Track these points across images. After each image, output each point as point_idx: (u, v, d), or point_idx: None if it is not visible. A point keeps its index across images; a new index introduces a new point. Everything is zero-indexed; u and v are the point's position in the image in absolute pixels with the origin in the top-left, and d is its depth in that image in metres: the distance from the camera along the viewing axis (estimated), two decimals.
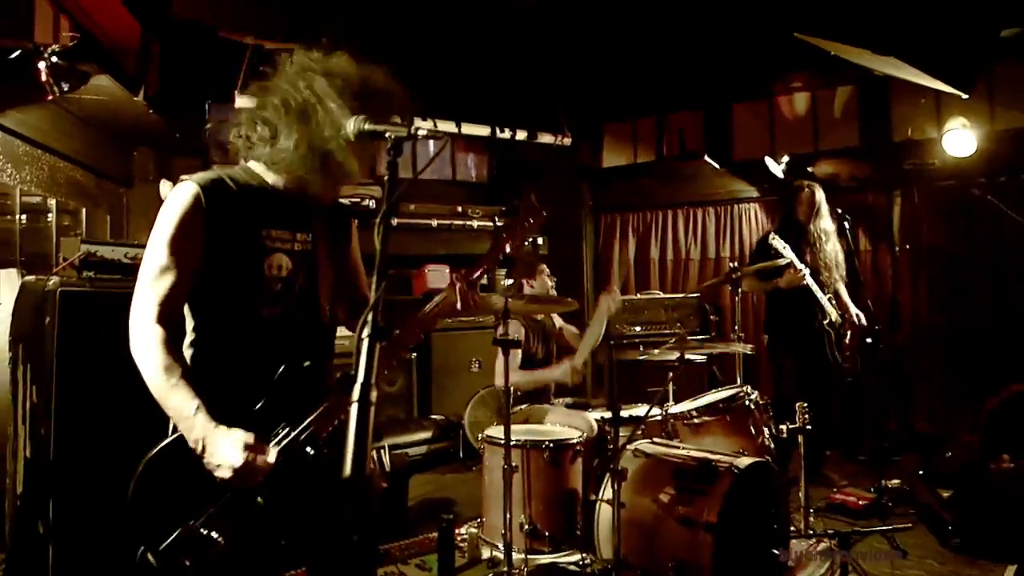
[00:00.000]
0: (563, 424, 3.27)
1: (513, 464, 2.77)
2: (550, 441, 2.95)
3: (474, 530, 3.47)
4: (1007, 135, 4.82)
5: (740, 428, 3.19)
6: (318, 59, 1.63)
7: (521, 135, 5.89)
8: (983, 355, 4.98)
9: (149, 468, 1.46)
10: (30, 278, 2.56)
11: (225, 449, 1.41)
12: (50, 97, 2.77)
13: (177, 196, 1.54)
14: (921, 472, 3.82)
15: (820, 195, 4.30)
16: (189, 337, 1.60)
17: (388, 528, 3.60)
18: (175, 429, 1.50)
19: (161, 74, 4.21)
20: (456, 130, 5.69)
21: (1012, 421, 3.55)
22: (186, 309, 1.59)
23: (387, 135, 1.36)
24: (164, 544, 1.39)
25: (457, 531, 3.43)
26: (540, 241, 6.04)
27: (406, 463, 3.88)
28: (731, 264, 4.42)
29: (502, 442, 2.78)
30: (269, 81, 1.62)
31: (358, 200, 5.37)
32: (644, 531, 2.65)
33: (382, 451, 3.79)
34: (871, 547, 3.20)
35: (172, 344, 1.49)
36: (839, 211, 4.16)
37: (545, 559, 3.01)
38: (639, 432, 2.98)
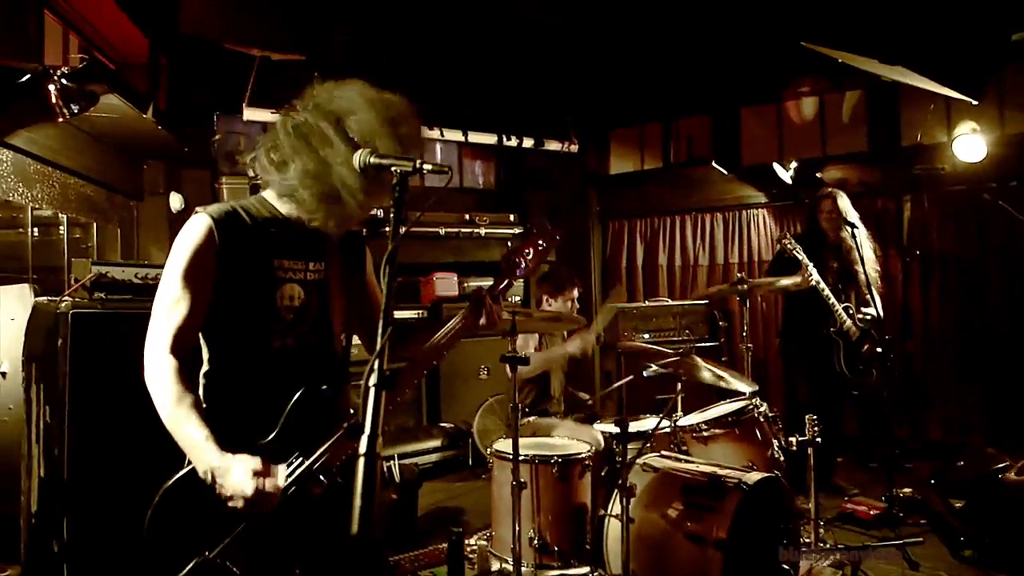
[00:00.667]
0: (571, 437, 3.27)
1: (522, 480, 2.78)
2: (559, 456, 2.95)
3: (483, 542, 3.48)
4: (1018, 139, 4.79)
5: (749, 440, 3.18)
6: (332, 90, 1.62)
7: (528, 142, 5.90)
8: (996, 362, 4.94)
9: (165, 498, 1.48)
10: (42, 299, 2.58)
11: (234, 479, 1.42)
12: (60, 119, 2.80)
13: (191, 229, 1.56)
14: (933, 481, 3.80)
15: (845, 202, 4.25)
16: (203, 368, 1.62)
17: (398, 539, 3.61)
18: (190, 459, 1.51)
19: (169, 88, 4.24)
20: (463, 137, 5.70)
21: None
22: (201, 340, 1.61)
23: (393, 169, 1.37)
24: (179, 575, 1.41)
25: (466, 542, 3.44)
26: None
27: (416, 474, 3.89)
28: (739, 274, 4.38)
29: (511, 457, 2.79)
30: (287, 110, 1.63)
31: None
32: (653, 547, 2.65)
33: (392, 462, 3.81)
34: (882, 559, 3.18)
35: (184, 374, 1.51)
36: (845, 219, 4.13)
37: (554, 573, 3.02)
38: (648, 446, 2.98)
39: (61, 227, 4.12)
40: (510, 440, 2.81)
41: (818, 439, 3.05)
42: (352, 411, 1.65)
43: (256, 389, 1.59)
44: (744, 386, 3.17)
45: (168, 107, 4.13)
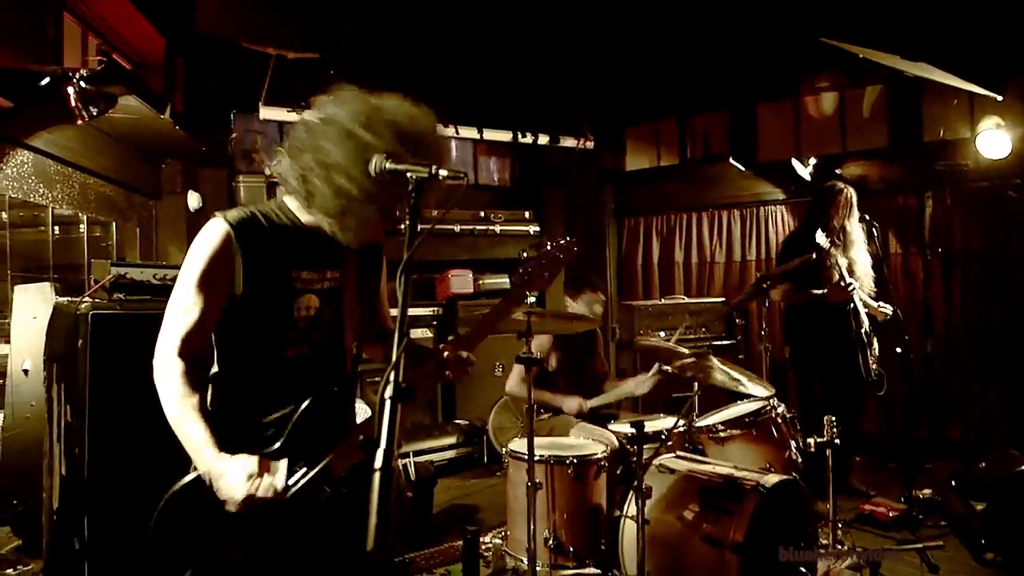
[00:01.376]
0: (587, 437, 3.26)
1: (537, 480, 2.77)
2: (574, 456, 2.94)
3: (498, 541, 3.48)
4: None
5: (766, 442, 3.15)
6: (356, 98, 1.59)
7: (543, 139, 5.88)
8: (1018, 361, 4.85)
9: (169, 505, 1.49)
10: (63, 300, 2.61)
11: (228, 480, 1.43)
12: (80, 121, 2.83)
13: (208, 234, 1.55)
14: (953, 483, 3.74)
15: (855, 199, 4.15)
16: (213, 371, 1.61)
17: (414, 536, 3.63)
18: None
19: (186, 88, 4.27)
20: (478, 135, 5.70)
21: None
22: (213, 344, 1.60)
23: (408, 175, 1.36)
24: None
25: (482, 540, 3.44)
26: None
27: (431, 471, 3.90)
28: (758, 273, 4.33)
29: (526, 457, 2.79)
30: (309, 117, 1.60)
31: None
32: (669, 549, 2.63)
33: (407, 459, 3.82)
34: (901, 561, 3.14)
35: (191, 377, 1.51)
36: (867, 217, 4.06)
37: (569, 573, 3.01)
38: (664, 447, 2.96)
39: (81, 226, 4.17)
40: (525, 440, 2.80)
41: (837, 440, 3.02)
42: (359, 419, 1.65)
43: (266, 396, 1.59)
44: (761, 390, 3.13)
45: (185, 107, 4.16)
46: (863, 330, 4.02)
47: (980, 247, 5.09)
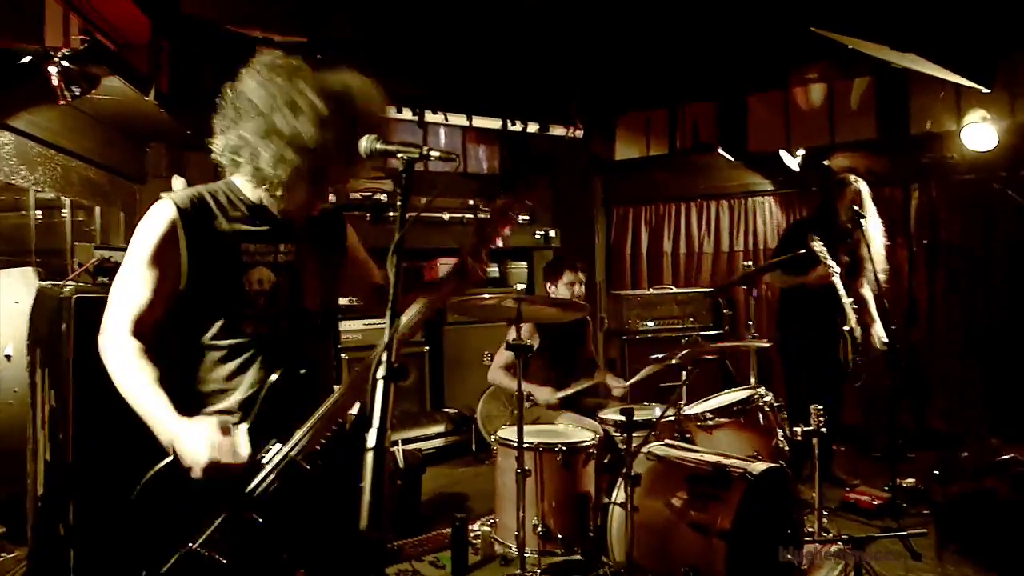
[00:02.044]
0: (575, 425, 3.27)
1: (526, 468, 2.78)
2: (563, 444, 2.95)
3: (487, 528, 3.49)
4: None
5: (754, 430, 3.18)
6: (290, 67, 1.60)
7: (533, 127, 5.86)
8: (1001, 352, 4.92)
9: (146, 491, 1.48)
10: (46, 284, 2.57)
11: (190, 446, 1.42)
12: (62, 102, 2.77)
13: (153, 215, 1.55)
14: (936, 472, 3.79)
15: (866, 191, 4.12)
16: (172, 355, 1.59)
17: (402, 524, 3.62)
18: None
19: (171, 70, 4.20)
20: (467, 122, 5.66)
21: None
22: (171, 328, 1.59)
23: (399, 155, 1.35)
24: (165, 567, 1.40)
25: (470, 527, 3.45)
26: (552, 234, 6.01)
27: (420, 459, 3.90)
28: (745, 264, 4.35)
29: (515, 444, 2.79)
30: (240, 95, 1.59)
31: (369, 194, 5.37)
32: (656, 535, 2.65)
33: (396, 447, 3.82)
34: (884, 549, 3.18)
35: (142, 353, 1.51)
36: (855, 208, 4.07)
37: (557, 560, 3.03)
38: (652, 435, 2.97)
39: (64, 210, 4.10)
40: (514, 427, 2.81)
41: (823, 429, 3.05)
42: (334, 388, 1.65)
43: (231, 375, 1.58)
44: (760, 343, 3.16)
45: (170, 89, 4.09)
46: (848, 327, 4.04)
47: (964, 239, 5.14)
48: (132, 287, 1.52)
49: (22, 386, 3.02)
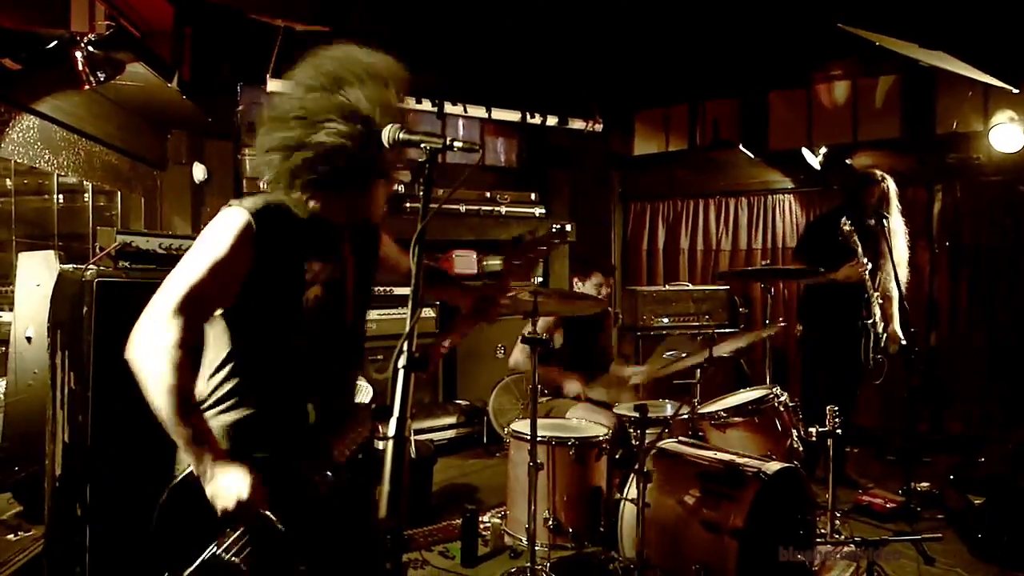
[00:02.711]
0: (587, 419, 3.27)
1: (539, 461, 2.78)
2: (576, 438, 2.94)
3: (497, 520, 3.50)
4: None
5: (768, 429, 3.15)
6: (329, 62, 1.55)
7: (552, 120, 5.82)
8: (1022, 358, 4.85)
9: (172, 495, 1.45)
10: (68, 267, 2.60)
11: (220, 491, 1.37)
12: (86, 86, 2.80)
13: (227, 222, 1.46)
14: (953, 477, 3.75)
15: (894, 190, 4.07)
16: (219, 362, 1.54)
17: (413, 514, 3.65)
18: None
19: (193, 58, 4.22)
20: (486, 114, 5.64)
21: None
22: (217, 336, 1.54)
23: (422, 145, 1.34)
24: (187, 571, 1.37)
25: (480, 519, 3.46)
26: (568, 228, 5.97)
27: (432, 450, 3.91)
28: (764, 262, 4.31)
29: (528, 437, 2.79)
30: (282, 110, 1.50)
31: None
32: (668, 532, 2.64)
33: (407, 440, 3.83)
34: (897, 552, 3.15)
35: (191, 371, 1.43)
36: (879, 209, 4.02)
37: (568, 554, 3.03)
38: (665, 432, 2.96)
39: (86, 195, 4.15)
40: (527, 421, 2.81)
41: (838, 430, 3.03)
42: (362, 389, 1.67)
43: (277, 383, 1.55)
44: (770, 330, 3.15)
45: (192, 77, 4.11)
46: (872, 320, 4.00)
47: (989, 242, 5.06)
48: (191, 294, 1.40)
49: (42, 368, 3.06)
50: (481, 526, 3.42)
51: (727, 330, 5.33)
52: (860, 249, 3.86)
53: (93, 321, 2.40)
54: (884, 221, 3.91)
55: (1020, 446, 3.62)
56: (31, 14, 2.75)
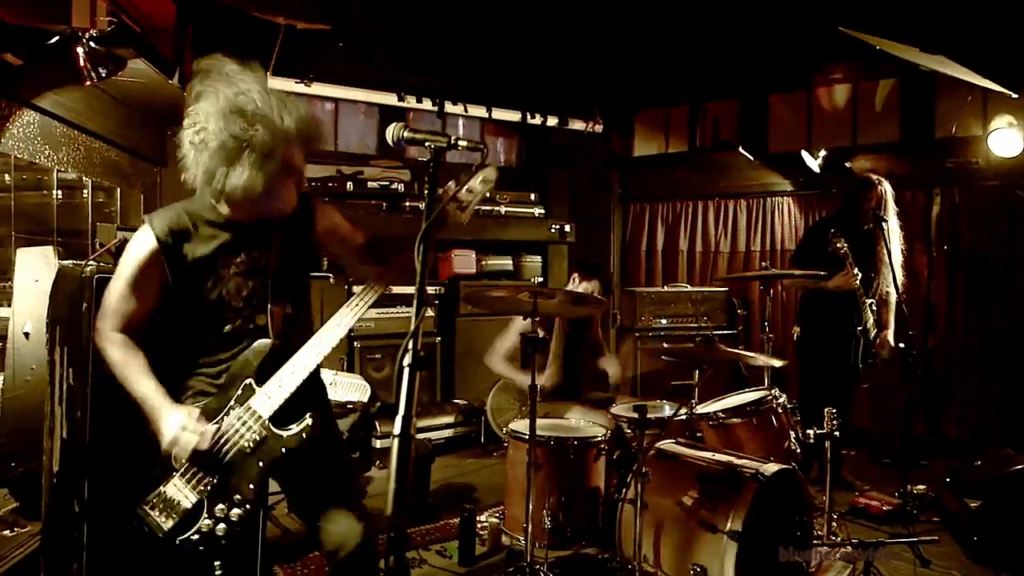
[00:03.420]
0: (585, 420, 3.27)
1: (537, 461, 2.78)
2: (575, 439, 2.95)
3: (495, 520, 3.50)
4: None
5: (766, 431, 3.16)
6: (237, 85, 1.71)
7: (552, 121, 5.82)
8: (1018, 362, 4.86)
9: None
10: (67, 263, 2.59)
11: (162, 425, 1.73)
12: (88, 82, 2.79)
13: (137, 245, 1.78)
14: (949, 480, 3.76)
15: (891, 193, 4.10)
16: (175, 356, 1.85)
17: (410, 513, 3.64)
18: None
19: (195, 55, 4.21)
20: (487, 114, 5.64)
21: None
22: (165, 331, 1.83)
23: (427, 144, 1.35)
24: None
25: (478, 519, 3.46)
26: (568, 229, 6.00)
27: (430, 450, 3.91)
28: (763, 264, 4.32)
29: (527, 437, 2.79)
30: (193, 117, 1.73)
31: (387, 183, 5.38)
32: (666, 533, 2.65)
33: None
34: (893, 554, 3.16)
35: (131, 346, 1.80)
36: (877, 212, 4.04)
37: (566, 554, 3.04)
38: (663, 433, 2.97)
39: (85, 191, 4.13)
40: (526, 420, 2.81)
41: (836, 432, 3.03)
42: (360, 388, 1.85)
43: (211, 363, 1.84)
44: (774, 361, 3.19)
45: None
46: (863, 327, 4.03)
47: (986, 246, 5.07)
48: (120, 297, 1.79)
49: (40, 364, 3.05)
50: (479, 525, 3.42)
51: (725, 332, 5.34)
52: (850, 259, 3.89)
53: (92, 317, 2.39)
54: (883, 225, 3.94)
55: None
56: (33, 10, 2.75)
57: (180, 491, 1.73)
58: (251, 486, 1.73)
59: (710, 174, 6.21)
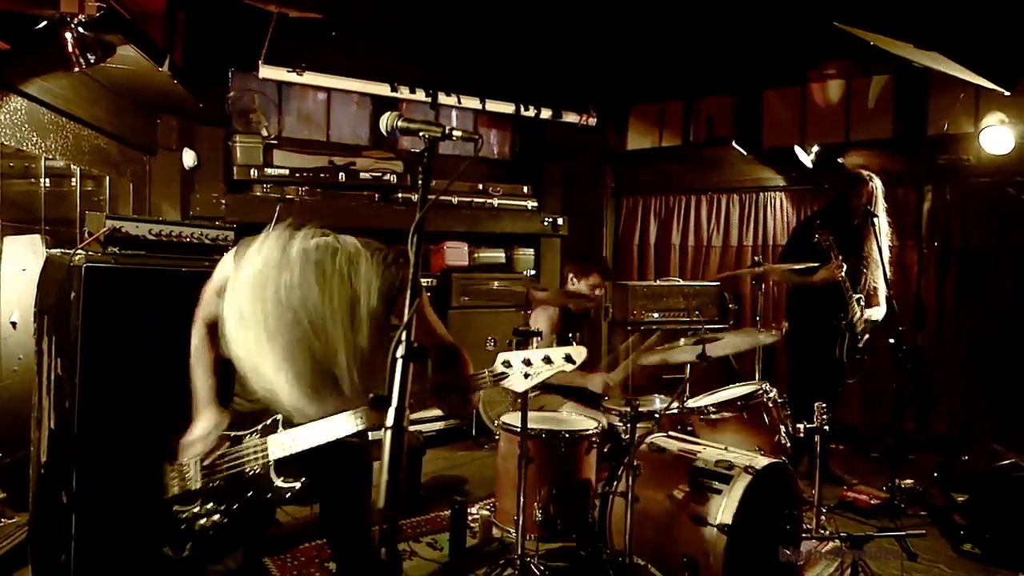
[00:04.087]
0: (578, 413, 3.27)
1: (529, 454, 2.78)
2: (567, 431, 2.95)
3: (486, 512, 3.51)
4: None
5: (757, 425, 3.18)
6: None
7: (546, 113, 5.81)
8: (1007, 360, 4.89)
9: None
10: (55, 252, 2.56)
11: (193, 427, 1.86)
12: (76, 68, 2.75)
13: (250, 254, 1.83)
14: (936, 474, 3.79)
15: (880, 189, 4.12)
16: None
17: (402, 505, 3.64)
18: None
19: (186, 43, 4.17)
20: (480, 106, 5.62)
21: None
22: None
23: (421, 134, 1.33)
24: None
25: (469, 511, 3.46)
26: (560, 222, 5.99)
27: (421, 442, 3.91)
28: (756, 258, 4.32)
29: (518, 430, 2.79)
30: None
31: (380, 174, 5.35)
32: (656, 525, 2.66)
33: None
34: (881, 548, 3.18)
35: (209, 340, 1.89)
36: (868, 208, 4.05)
37: (556, 546, 3.04)
38: (655, 428, 2.98)
39: (73, 179, 4.08)
40: (518, 413, 2.80)
41: (826, 427, 3.05)
42: None
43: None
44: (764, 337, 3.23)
45: (184, 62, 4.06)
46: (847, 321, 4.06)
47: (977, 243, 5.10)
48: (209, 295, 1.90)
49: (27, 353, 3.03)
50: (469, 518, 3.42)
51: (717, 326, 5.35)
52: (835, 251, 3.92)
53: (81, 307, 2.37)
54: (874, 220, 3.96)
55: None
56: None
57: (194, 472, 1.84)
58: (236, 506, 1.81)
59: (703, 169, 6.21)
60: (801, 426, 3.14)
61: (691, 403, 3.30)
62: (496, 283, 5.37)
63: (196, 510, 1.83)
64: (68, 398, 2.39)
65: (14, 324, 3.16)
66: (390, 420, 0.98)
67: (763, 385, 3.28)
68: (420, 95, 5.32)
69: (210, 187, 4.71)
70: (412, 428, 4.22)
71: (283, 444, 1.77)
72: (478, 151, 1.37)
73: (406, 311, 1.05)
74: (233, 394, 1.92)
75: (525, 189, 6.02)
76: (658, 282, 5.76)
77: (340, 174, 5.23)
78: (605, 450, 3.12)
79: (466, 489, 4.11)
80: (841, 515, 3.67)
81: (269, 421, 1.82)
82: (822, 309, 4.11)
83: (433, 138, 1.30)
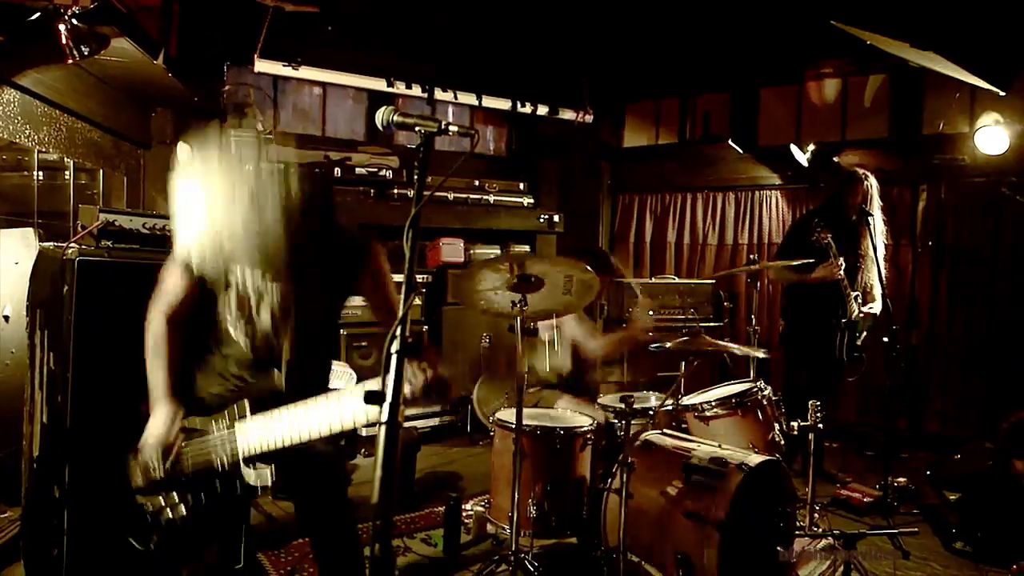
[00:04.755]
0: (573, 410, 3.27)
1: (524, 450, 2.78)
2: (561, 428, 2.95)
3: (480, 508, 3.51)
4: None
5: (751, 423, 3.18)
6: None
7: (542, 110, 5.81)
8: (1001, 359, 4.92)
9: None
10: (48, 245, 2.55)
11: (148, 426, 1.84)
12: (70, 61, 2.73)
13: None
14: (929, 473, 3.81)
15: (876, 188, 4.14)
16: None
17: (395, 501, 3.64)
18: None
19: (180, 35, 4.15)
20: (477, 102, 5.61)
21: None
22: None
23: (417, 129, 1.33)
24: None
25: (463, 507, 3.46)
26: (556, 219, 5.99)
27: (416, 438, 3.91)
28: (751, 256, 4.33)
29: (513, 426, 2.79)
30: None
31: (376, 170, 5.34)
32: (650, 522, 2.66)
33: None
34: (873, 546, 3.20)
35: (167, 332, 1.89)
36: (864, 207, 4.07)
37: (550, 542, 3.04)
38: (650, 425, 2.98)
39: (67, 172, 4.06)
40: (513, 409, 2.80)
41: (820, 425, 3.06)
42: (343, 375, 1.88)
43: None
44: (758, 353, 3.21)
45: (179, 55, 4.04)
46: (846, 319, 4.07)
47: (971, 243, 5.12)
48: (167, 283, 1.88)
49: (19, 347, 3.01)
50: (464, 514, 3.42)
51: (712, 323, 5.36)
52: (833, 250, 3.92)
53: (74, 301, 2.35)
54: (869, 218, 3.97)
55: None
56: None
57: (156, 463, 1.83)
58: (203, 499, 1.80)
59: (699, 167, 6.21)
60: (795, 424, 3.14)
61: (686, 400, 3.30)
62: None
63: (160, 502, 1.83)
64: (61, 392, 2.37)
65: (7, 318, 3.15)
66: (384, 415, 0.98)
67: (758, 383, 3.29)
68: (416, 90, 5.31)
69: None
70: (407, 424, 4.23)
71: (251, 440, 1.75)
72: (474, 147, 1.35)
73: (401, 307, 1.05)
74: (194, 386, 1.92)
75: (521, 186, 6.02)
76: (654, 279, 5.77)
77: (336, 169, 5.21)
78: (600, 447, 3.12)
79: (460, 485, 4.11)
80: (834, 513, 3.68)
81: (236, 408, 1.81)
82: (819, 307, 4.12)
83: (429, 133, 1.30)
